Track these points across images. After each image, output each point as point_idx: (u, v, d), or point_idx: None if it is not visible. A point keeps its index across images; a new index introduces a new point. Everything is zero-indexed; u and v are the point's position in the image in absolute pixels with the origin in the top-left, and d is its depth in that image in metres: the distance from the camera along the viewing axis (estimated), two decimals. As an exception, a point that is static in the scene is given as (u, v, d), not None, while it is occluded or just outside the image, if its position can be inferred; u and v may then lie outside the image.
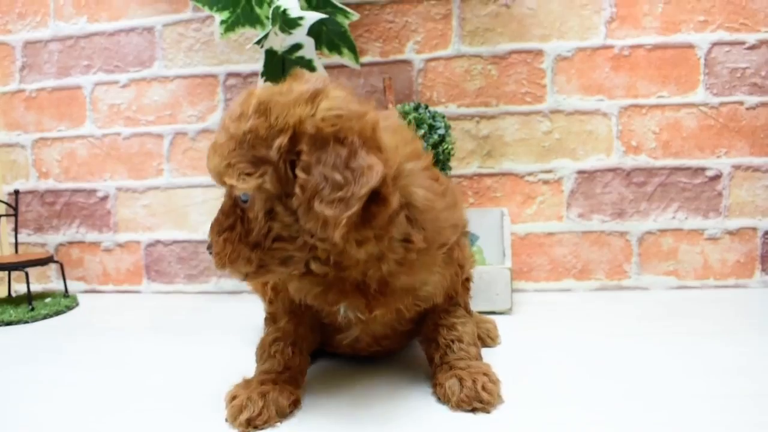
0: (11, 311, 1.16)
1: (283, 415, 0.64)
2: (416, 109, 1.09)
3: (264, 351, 0.72)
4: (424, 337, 0.75)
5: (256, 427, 0.62)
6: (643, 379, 0.72)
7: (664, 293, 1.19)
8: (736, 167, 1.19)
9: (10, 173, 1.44)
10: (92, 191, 1.41)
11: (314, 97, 0.58)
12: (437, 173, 0.70)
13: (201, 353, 0.90)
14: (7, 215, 1.34)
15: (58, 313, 1.20)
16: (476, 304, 1.03)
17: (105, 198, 1.40)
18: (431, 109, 1.11)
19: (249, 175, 0.57)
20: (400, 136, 0.66)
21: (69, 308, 1.24)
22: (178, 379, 0.79)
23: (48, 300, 1.25)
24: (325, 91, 0.59)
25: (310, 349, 0.74)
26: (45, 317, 1.17)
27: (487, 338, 0.90)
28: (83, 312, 1.23)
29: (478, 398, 0.64)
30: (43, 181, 1.42)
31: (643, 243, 1.22)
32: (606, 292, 1.22)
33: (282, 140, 0.57)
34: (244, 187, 0.58)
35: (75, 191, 1.41)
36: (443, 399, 0.67)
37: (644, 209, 1.22)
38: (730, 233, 1.20)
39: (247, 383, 0.68)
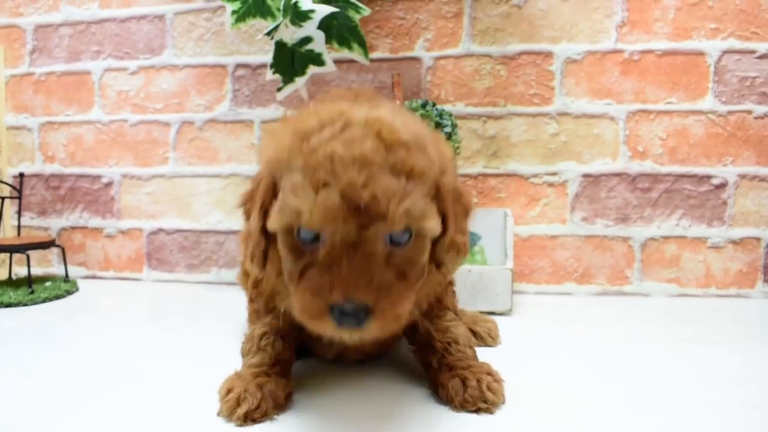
0: (11, 293, 1.16)
1: (279, 407, 0.63)
2: (423, 106, 1.09)
3: (252, 344, 0.69)
4: (418, 346, 0.73)
5: (254, 420, 0.60)
6: (642, 383, 0.72)
7: (665, 300, 1.18)
8: (742, 176, 1.19)
9: (15, 156, 1.44)
10: (97, 177, 1.41)
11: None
12: None
13: (198, 342, 0.90)
14: (11, 197, 1.34)
15: (57, 297, 1.20)
16: (476, 304, 1.03)
17: (109, 184, 1.40)
18: (438, 106, 1.11)
19: (434, 213, 0.55)
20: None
21: (69, 293, 1.24)
22: (173, 365, 0.79)
23: (48, 284, 1.25)
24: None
25: (295, 344, 0.72)
26: (44, 301, 1.17)
27: (488, 338, 0.90)
28: (83, 297, 1.23)
29: (483, 398, 0.63)
30: (49, 165, 1.43)
31: (646, 249, 1.22)
32: (607, 297, 1.22)
33: (443, 177, 0.56)
34: (437, 227, 0.55)
35: (80, 176, 1.42)
36: (446, 399, 0.65)
37: (648, 215, 1.21)
38: (734, 242, 1.20)
39: (239, 376, 0.65)
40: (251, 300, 0.76)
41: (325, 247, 0.51)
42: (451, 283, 0.77)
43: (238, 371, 0.67)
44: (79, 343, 0.90)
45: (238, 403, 0.60)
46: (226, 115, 1.33)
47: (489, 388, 0.63)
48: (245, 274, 0.86)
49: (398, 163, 0.51)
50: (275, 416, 0.62)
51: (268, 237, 0.60)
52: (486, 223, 1.20)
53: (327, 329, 0.51)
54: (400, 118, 0.54)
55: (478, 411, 0.62)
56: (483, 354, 0.76)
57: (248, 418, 0.60)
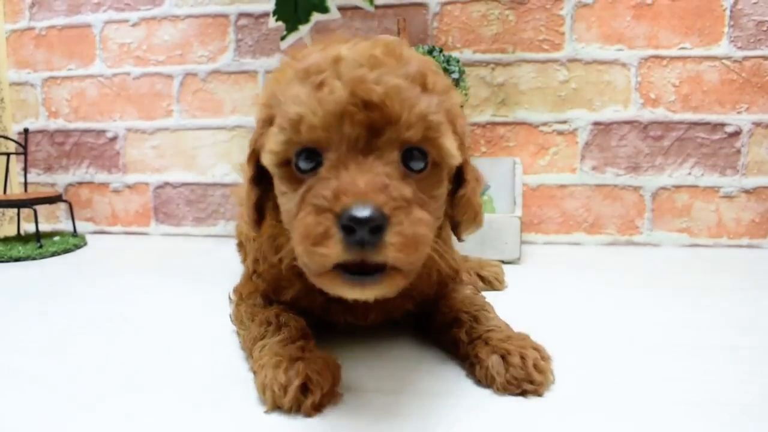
0: (20, 248, 1.16)
1: (337, 383, 0.52)
2: (430, 52, 1.07)
3: (270, 323, 0.58)
4: (439, 326, 0.62)
5: (321, 406, 0.49)
6: (651, 330, 0.71)
7: (676, 250, 1.17)
8: (757, 124, 1.16)
9: (19, 112, 1.43)
10: (102, 132, 1.40)
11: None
12: None
13: (206, 295, 0.89)
14: (16, 153, 1.34)
15: (66, 251, 1.20)
16: (485, 253, 1.03)
17: (114, 139, 1.39)
18: (446, 53, 1.08)
19: (455, 141, 0.49)
20: None
21: (77, 247, 1.24)
22: (181, 318, 0.78)
23: (56, 238, 1.25)
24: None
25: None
26: (53, 255, 1.17)
27: (495, 281, 0.89)
28: (91, 251, 1.23)
29: (530, 378, 0.52)
30: (53, 120, 1.42)
31: (657, 198, 1.20)
32: (617, 247, 1.20)
33: (459, 118, 0.52)
34: (456, 154, 0.49)
35: (84, 131, 1.40)
36: (485, 380, 0.54)
37: (660, 164, 1.19)
38: (747, 192, 1.18)
39: (277, 364, 0.51)
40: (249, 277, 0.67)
41: (330, 158, 0.45)
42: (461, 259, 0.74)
43: (263, 358, 0.53)
44: (88, 295, 0.90)
45: (296, 396, 0.48)
46: (229, 66, 1.31)
47: (536, 367, 0.53)
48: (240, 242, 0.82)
49: (412, 73, 0.46)
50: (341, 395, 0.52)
51: (263, 188, 0.55)
52: (494, 172, 1.19)
53: (333, 254, 0.41)
54: (405, 47, 0.51)
55: (524, 393, 0.52)
56: (489, 298, 0.75)
57: (320, 407, 0.49)
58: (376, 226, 0.41)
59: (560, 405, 0.51)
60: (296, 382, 0.49)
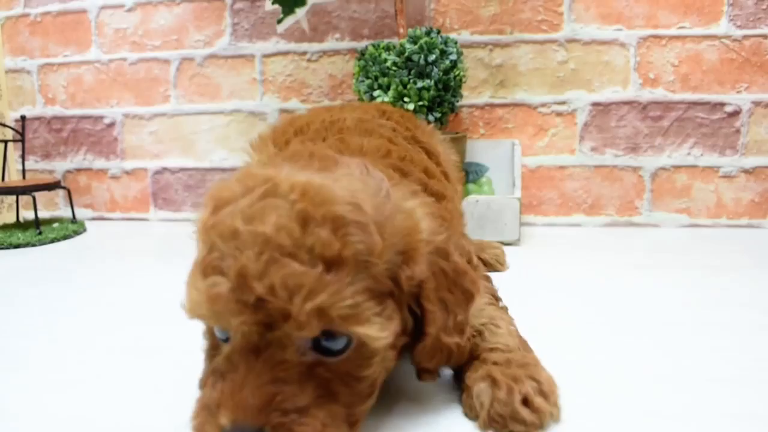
0: (19, 234, 1.16)
1: None
2: (428, 33, 1.06)
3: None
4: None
5: None
6: (651, 310, 0.71)
7: (675, 231, 1.17)
8: (756, 103, 1.15)
9: (16, 99, 1.42)
10: (99, 118, 1.39)
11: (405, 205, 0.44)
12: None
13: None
14: (14, 141, 1.34)
15: (65, 237, 1.20)
16: (484, 235, 1.03)
17: (112, 125, 1.39)
18: (443, 35, 1.07)
19: (379, 315, 0.39)
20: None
21: (76, 233, 1.24)
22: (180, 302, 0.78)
23: (56, 225, 1.25)
24: (401, 196, 0.45)
25: None
26: (52, 241, 1.18)
27: (496, 263, 0.90)
28: (90, 237, 1.23)
29: (516, 417, 0.44)
30: (50, 107, 1.41)
31: (656, 179, 1.20)
32: (616, 228, 1.20)
33: (407, 265, 0.42)
34: (384, 336, 0.39)
35: (82, 118, 1.40)
36: (470, 412, 0.46)
37: (659, 144, 1.19)
38: (746, 172, 1.17)
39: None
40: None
41: (228, 347, 0.39)
42: (477, 267, 0.63)
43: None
44: (88, 281, 0.90)
45: None
46: (226, 50, 1.30)
47: (529, 403, 0.44)
48: None
49: (317, 245, 0.37)
50: None
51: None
52: (493, 154, 1.18)
53: None
54: (347, 185, 0.40)
55: None
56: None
57: None
58: None
59: (557, 379, 0.51)
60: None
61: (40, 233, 1.17)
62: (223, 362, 0.39)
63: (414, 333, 0.44)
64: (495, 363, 0.47)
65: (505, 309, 0.58)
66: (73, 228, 1.24)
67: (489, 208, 1.03)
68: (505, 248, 0.97)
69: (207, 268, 0.39)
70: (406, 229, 0.42)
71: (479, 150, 1.20)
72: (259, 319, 0.37)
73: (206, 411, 0.38)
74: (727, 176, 1.18)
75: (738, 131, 1.17)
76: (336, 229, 0.37)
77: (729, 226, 1.19)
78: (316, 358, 0.38)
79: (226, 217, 0.39)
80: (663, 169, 1.19)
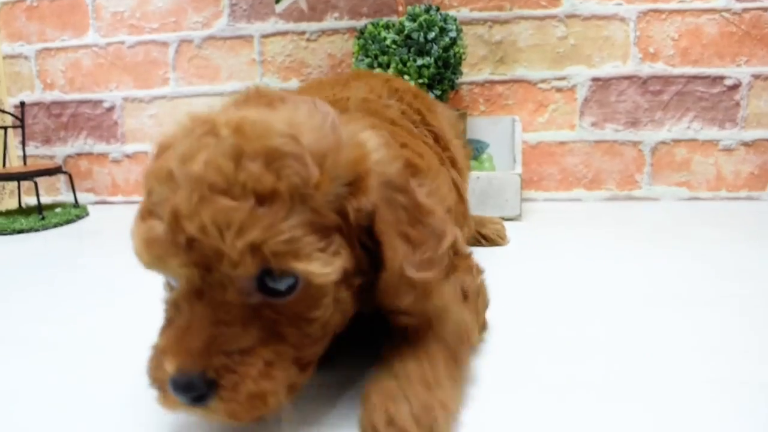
0: (22, 220, 1.16)
1: None
2: (427, 11, 1.06)
3: None
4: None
5: None
6: (651, 283, 0.72)
7: (675, 204, 1.18)
8: (756, 76, 1.15)
9: (14, 85, 1.42)
10: (98, 102, 1.39)
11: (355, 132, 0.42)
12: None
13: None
14: (13, 127, 1.33)
15: (68, 222, 1.21)
16: (485, 211, 1.03)
17: (111, 108, 1.39)
18: (443, 12, 1.07)
19: (322, 251, 0.38)
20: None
21: (79, 217, 1.24)
22: None
23: (58, 210, 1.25)
24: (350, 121, 0.44)
25: None
26: (55, 226, 1.18)
27: (497, 238, 0.90)
28: (93, 221, 1.23)
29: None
30: (49, 92, 1.41)
31: (656, 153, 1.20)
32: (616, 202, 1.21)
33: (354, 196, 0.39)
34: (327, 272, 0.38)
35: (81, 102, 1.40)
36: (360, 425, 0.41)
37: (659, 119, 1.19)
38: (746, 145, 1.18)
39: None
40: None
41: (173, 295, 0.39)
42: (467, 257, 0.57)
43: None
44: (94, 265, 0.90)
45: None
46: (224, 31, 1.30)
47: (400, 427, 0.38)
48: None
49: (248, 180, 0.35)
50: None
51: None
52: (494, 130, 1.19)
53: (171, 406, 0.38)
54: (286, 118, 0.39)
55: None
56: (491, 254, 0.74)
57: None
58: (199, 396, 0.36)
59: (558, 353, 0.52)
60: None
61: (43, 218, 1.17)
62: (171, 308, 0.39)
63: (374, 273, 0.41)
64: (394, 375, 0.42)
65: (469, 306, 0.52)
66: (75, 212, 1.24)
67: (490, 185, 1.04)
68: (507, 224, 0.97)
69: (145, 212, 0.38)
70: (353, 159, 0.40)
71: (480, 127, 1.20)
72: (195, 260, 0.36)
73: (157, 357, 0.38)
74: (727, 149, 1.18)
75: (738, 104, 1.17)
76: (269, 162, 0.36)
77: (728, 198, 1.20)
78: (262, 300, 0.38)
79: (163, 161, 0.38)
80: (663, 143, 1.20)
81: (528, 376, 0.48)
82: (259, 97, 0.46)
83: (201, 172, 0.36)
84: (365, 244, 0.41)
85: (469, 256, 0.57)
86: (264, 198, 0.35)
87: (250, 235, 0.35)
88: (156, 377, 0.38)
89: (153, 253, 0.37)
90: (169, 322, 0.39)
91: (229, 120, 0.37)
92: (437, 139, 0.73)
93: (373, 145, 0.42)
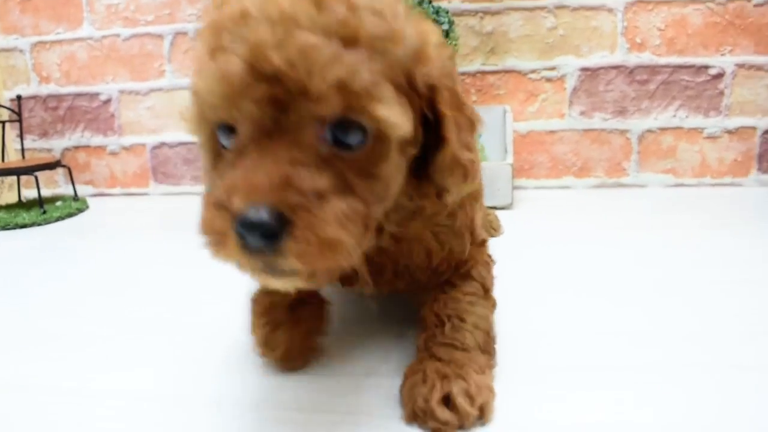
0: (24, 215, 1.17)
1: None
2: (420, 3, 1.08)
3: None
4: (418, 324, 0.53)
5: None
6: (640, 267, 0.75)
7: (662, 191, 1.21)
8: (740, 66, 1.18)
9: (10, 78, 1.43)
10: (95, 95, 1.40)
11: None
12: None
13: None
14: (10, 121, 1.34)
15: (69, 215, 1.22)
16: (478, 199, 1.06)
17: (108, 101, 1.40)
18: (435, 4, 1.09)
19: (397, 102, 0.37)
20: None
21: (80, 210, 1.26)
22: (185, 275, 0.80)
23: (59, 203, 1.27)
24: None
25: None
26: (57, 220, 1.19)
27: (491, 230, 0.92)
28: (93, 214, 1.25)
29: (432, 414, 0.42)
30: (45, 85, 1.42)
31: (643, 141, 1.23)
32: (605, 189, 1.24)
33: (422, 63, 0.39)
34: (403, 122, 0.37)
35: (77, 95, 1.41)
36: (402, 402, 0.45)
37: (646, 107, 1.22)
38: (729, 132, 1.21)
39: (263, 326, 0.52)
40: None
41: (236, 140, 0.37)
42: (483, 244, 0.57)
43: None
44: (97, 257, 0.92)
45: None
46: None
47: (449, 400, 0.43)
48: None
49: (333, 22, 0.35)
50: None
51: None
52: (485, 120, 1.20)
53: (234, 258, 0.35)
54: None
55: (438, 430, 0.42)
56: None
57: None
58: (270, 232, 0.33)
59: (553, 341, 0.55)
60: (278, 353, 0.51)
61: (44, 212, 1.19)
62: (232, 156, 0.37)
63: (424, 150, 0.42)
64: (438, 359, 0.46)
65: (490, 301, 0.54)
66: (76, 206, 1.26)
67: (482, 174, 1.06)
68: (499, 212, 1.00)
69: (216, 50, 0.36)
70: (419, 33, 0.40)
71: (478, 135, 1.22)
72: (276, 94, 0.34)
73: (215, 205, 0.35)
74: (711, 137, 1.22)
75: (722, 93, 1.20)
76: (352, 8, 0.36)
77: (713, 185, 1.23)
78: (332, 151, 0.36)
79: (236, 4, 0.36)
80: (649, 131, 1.23)
81: (522, 362, 0.51)
82: None
83: (286, 8, 0.35)
84: (425, 116, 0.41)
85: (484, 243, 0.57)
86: (348, 41, 0.35)
87: (338, 72, 0.34)
88: (212, 227, 0.35)
89: (226, 91, 0.35)
90: (232, 167, 0.36)
91: None
92: None
93: (432, 34, 0.42)
